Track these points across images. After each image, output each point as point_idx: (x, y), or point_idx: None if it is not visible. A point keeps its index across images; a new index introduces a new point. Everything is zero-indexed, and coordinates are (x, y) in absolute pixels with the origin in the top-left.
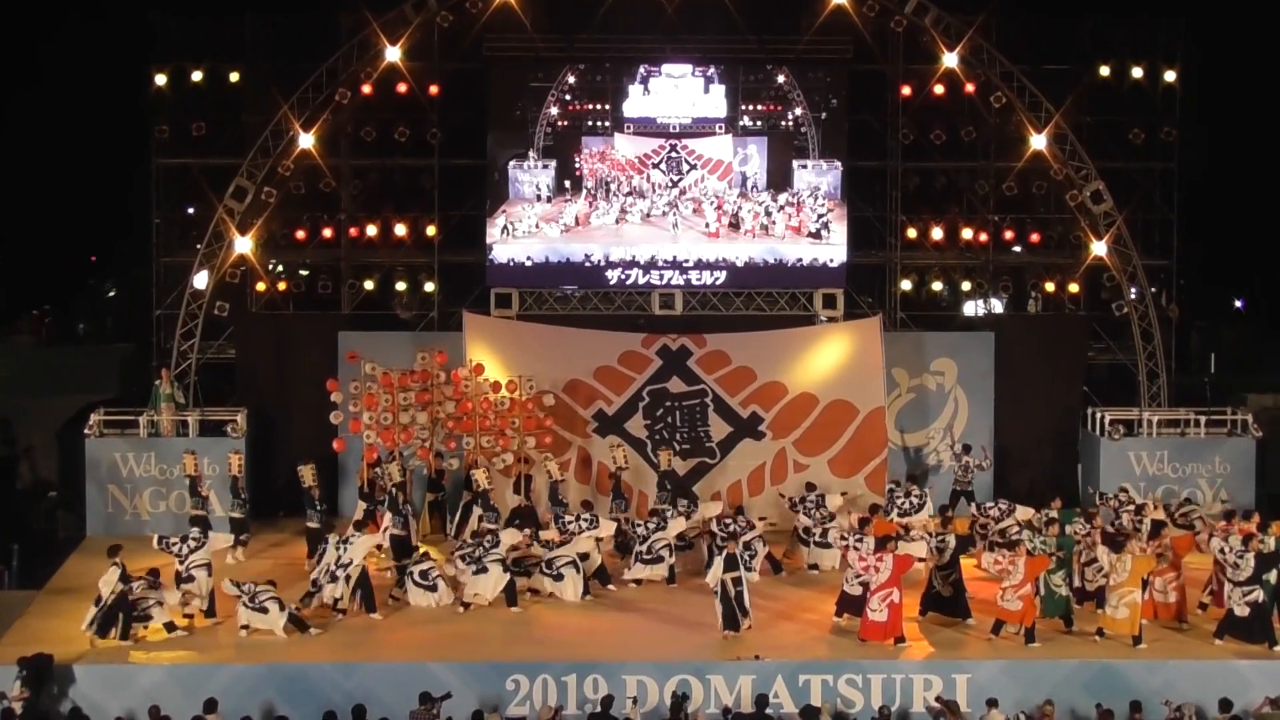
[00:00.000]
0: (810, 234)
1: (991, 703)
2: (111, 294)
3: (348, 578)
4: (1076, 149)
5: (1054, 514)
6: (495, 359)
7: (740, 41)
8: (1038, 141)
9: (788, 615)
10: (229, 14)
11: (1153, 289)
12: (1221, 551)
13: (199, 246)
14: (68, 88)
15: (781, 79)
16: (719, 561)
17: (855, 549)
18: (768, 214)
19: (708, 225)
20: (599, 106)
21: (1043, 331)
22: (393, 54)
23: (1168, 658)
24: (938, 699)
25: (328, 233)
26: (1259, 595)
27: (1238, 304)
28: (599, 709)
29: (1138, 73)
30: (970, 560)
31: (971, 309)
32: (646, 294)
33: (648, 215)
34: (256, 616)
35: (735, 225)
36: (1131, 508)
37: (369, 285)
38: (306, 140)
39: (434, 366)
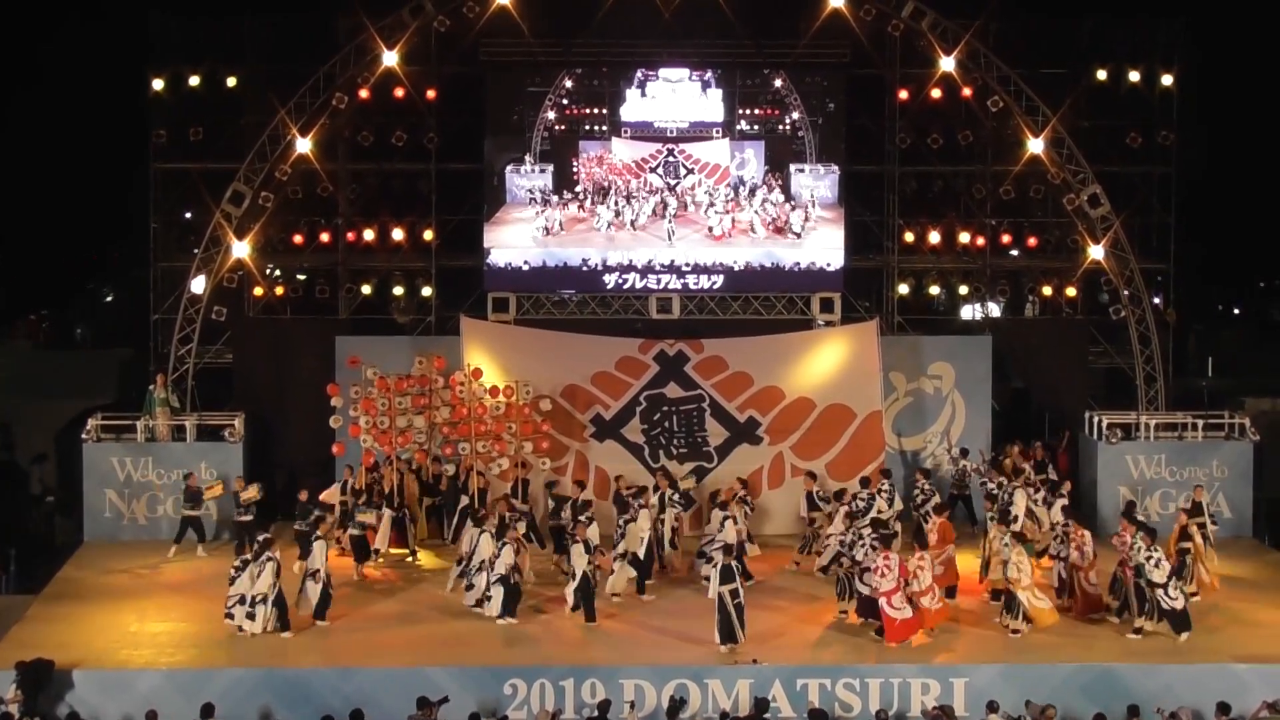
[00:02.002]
0: (798, 235)
1: (991, 706)
2: (109, 298)
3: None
4: (1074, 153)
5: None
6: (492, 363)
7: (737, 45)
8: (1035, 145)
9: (786, 620)
10: (228, 14)
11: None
12: (1144, 555)
13: (196, 251)
14: (67, 89)
15: (779, 83)
16: (715, 575)
17: (874, 549)
18: (767, 218)
19: (710, 230)
20: (596, 111)
21: (1041, 335)
22: (390, 58)
23: (1165, 661)
24: (934, 707)
25: (325, 237)
26: (1184, 586)
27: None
28: (596, 713)
29: (1135, 76)
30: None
31: (969, 313)
32: (644, 298)
33: (647, 218)
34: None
35: (732, 229)
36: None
37: (366, 290)
38: (304, 145)
39: (432, 371)
